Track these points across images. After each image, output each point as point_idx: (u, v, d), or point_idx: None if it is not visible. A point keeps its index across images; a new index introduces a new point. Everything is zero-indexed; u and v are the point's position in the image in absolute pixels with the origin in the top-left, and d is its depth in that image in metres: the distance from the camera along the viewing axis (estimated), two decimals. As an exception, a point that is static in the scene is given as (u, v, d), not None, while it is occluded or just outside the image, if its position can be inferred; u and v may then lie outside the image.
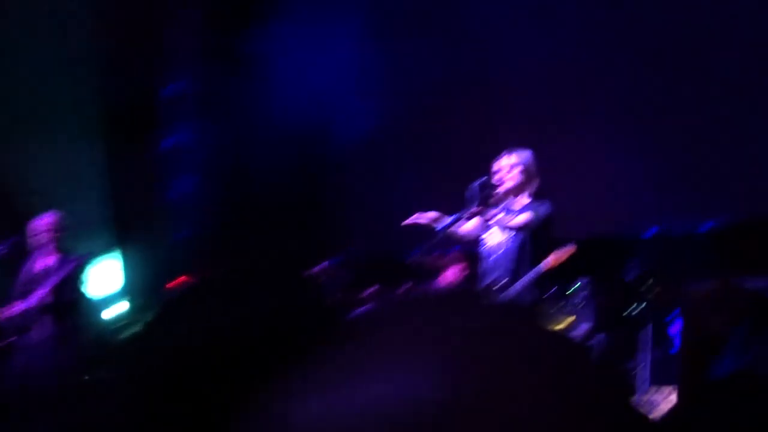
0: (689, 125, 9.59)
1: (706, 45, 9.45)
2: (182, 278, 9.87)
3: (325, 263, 9.13)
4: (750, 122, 9.23)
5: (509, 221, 6.78)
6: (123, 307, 9.53)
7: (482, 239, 7.04)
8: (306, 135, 11.10)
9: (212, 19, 11.06)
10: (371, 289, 8.91)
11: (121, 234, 10.53)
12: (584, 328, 8.08)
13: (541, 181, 7.24)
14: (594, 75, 10.00)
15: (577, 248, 6.73)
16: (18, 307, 7.82)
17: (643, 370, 7.59)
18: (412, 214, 10.40)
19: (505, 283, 6.75)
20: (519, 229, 6.75)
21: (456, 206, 7.17)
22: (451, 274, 9.08)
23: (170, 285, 9.98)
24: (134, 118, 10.64)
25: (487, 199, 6.97)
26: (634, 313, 8.25)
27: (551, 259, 6.70)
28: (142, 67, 10.74)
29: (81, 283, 8.11)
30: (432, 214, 7.05)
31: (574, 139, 9.94)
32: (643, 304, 8.01)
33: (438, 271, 8.83)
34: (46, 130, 10.07)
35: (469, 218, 6.97)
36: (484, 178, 7.01)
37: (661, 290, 7.92)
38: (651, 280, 8.06)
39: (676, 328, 8.19)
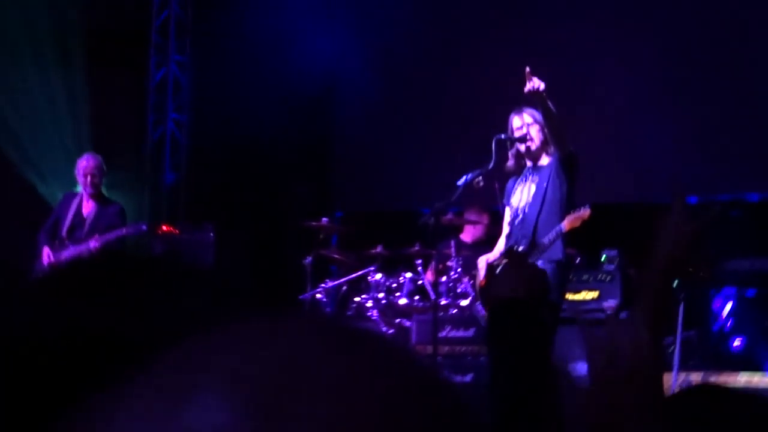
0: (732, 88, 8.76)
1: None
2: (165, 227, 9.11)
3: (324, 219, 8.45)
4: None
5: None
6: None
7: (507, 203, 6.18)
8: (306, 77, 10.23)
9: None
10: (374, 249, 8.18)
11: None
12: (611, 304, 7.32)
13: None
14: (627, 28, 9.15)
15: (592, 213, 5.88)
16: (70, 251, 7.57)
17: (674, 351, 6.77)
18: (421, 169, 9.59)
19: (526, 247, 5.90)
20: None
21: (465, 160, 6.42)
22: (470, 233, 8.44)
23: (160, 230, 9.26)
24: (120, 45, 9.80)
25: (505, 158, 6.13)
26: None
27: (565, 223, 5.88)
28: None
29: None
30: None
31: (603, 97, 9.07)
32: (679, 279, 7.12)
33: (453, 229, 8.14)
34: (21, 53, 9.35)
35: (489, 176, 6.12)
36: (502, 135, 6.12)
37: (699, 264, 7.05)
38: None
39: (719, 304, 7.42)
